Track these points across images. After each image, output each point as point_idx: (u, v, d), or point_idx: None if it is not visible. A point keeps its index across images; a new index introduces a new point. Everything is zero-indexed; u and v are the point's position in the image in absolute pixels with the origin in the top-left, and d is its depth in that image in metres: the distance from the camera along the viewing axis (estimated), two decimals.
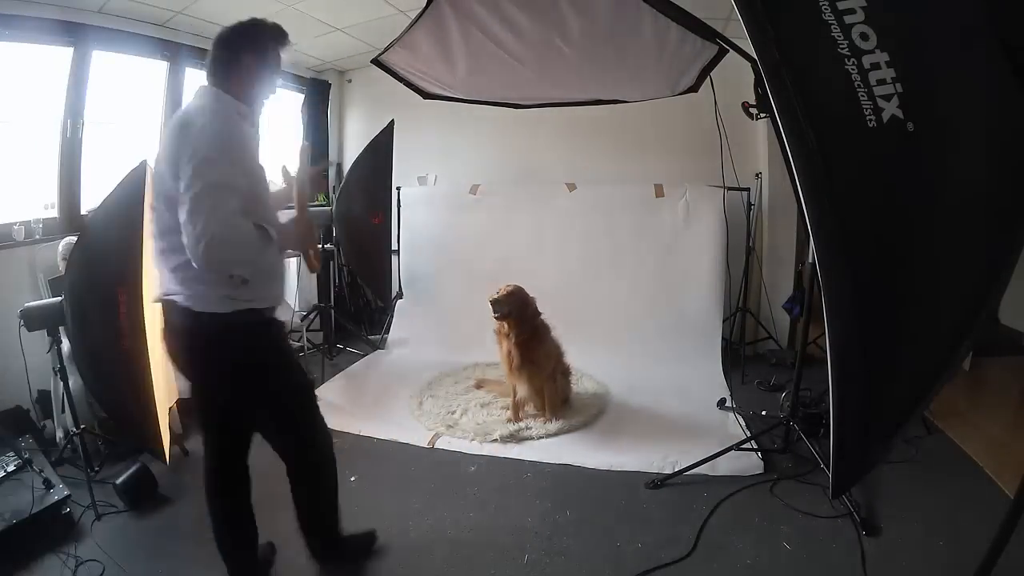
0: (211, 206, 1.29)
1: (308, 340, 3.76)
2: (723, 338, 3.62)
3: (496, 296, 2.69)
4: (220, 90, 1.47)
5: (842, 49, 1.13)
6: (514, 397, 2.82)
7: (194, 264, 1.31)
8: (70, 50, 2.97)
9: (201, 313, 1.41)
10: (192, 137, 1.34)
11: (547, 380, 2.75)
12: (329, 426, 2.85)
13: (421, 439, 2.67)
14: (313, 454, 1.72)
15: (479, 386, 3.22)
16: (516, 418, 2.82)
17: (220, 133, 1.38)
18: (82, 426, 2.27)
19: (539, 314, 2.81)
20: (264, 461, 2.48)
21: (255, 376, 1.50)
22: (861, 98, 1.13)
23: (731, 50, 2.11)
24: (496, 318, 2.69)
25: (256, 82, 1.54)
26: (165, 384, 2.38)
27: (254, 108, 1.57)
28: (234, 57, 1.49)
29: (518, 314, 2.70)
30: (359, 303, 4.52)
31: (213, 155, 1.33)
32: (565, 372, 2.97)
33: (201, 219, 1.28)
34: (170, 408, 2.52)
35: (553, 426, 2.73)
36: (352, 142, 4.86)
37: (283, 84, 4.50)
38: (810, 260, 1.90)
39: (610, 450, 2.52)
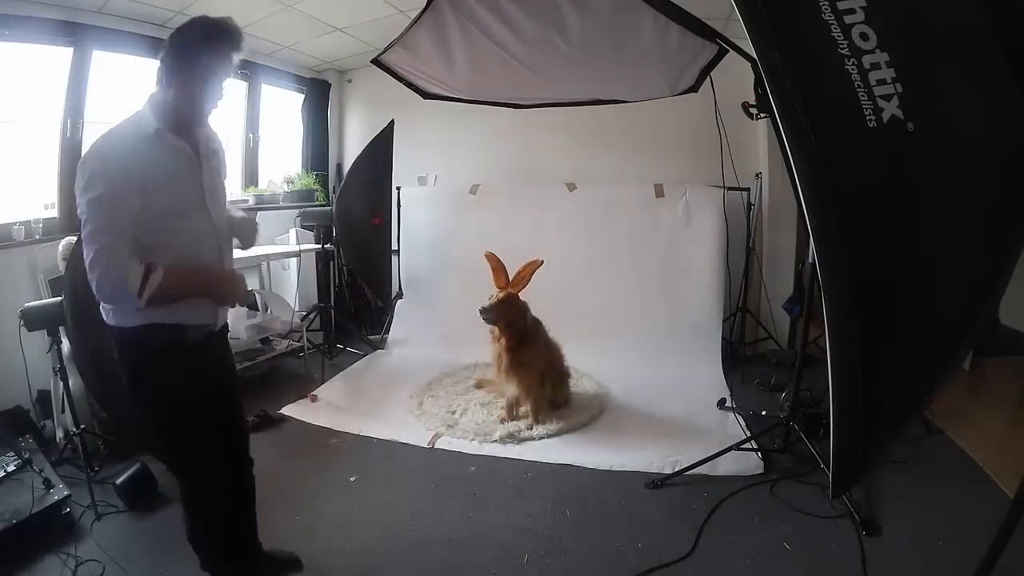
0: (96, 251, 1.23)
1: (308, 340, 3.76)
2: (723, 338, 3.62)
3: (486, 305, 2.68)
4: (155, 97, 1.35)
5: (842, 49, 1.13)
6: (507, 397, 2.83)
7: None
8: (70, 50, 2.97)
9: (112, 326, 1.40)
10: (80, 175, 1.26)
11: (534, 382, 2.75)
12: (329, 426, 2.82)
13: (421, 439, 2.67)
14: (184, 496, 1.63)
15: (479, 386, 3.21)
16: (509, 417, 2.82)
17: (95, 166, 1.25)
18: (82, 426, 2.26)
19: (531, 319, 2.80)
20: (264, 460, 2.49)
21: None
22: (861, 98, 1.13)
23: (731, 50, 2.11)
24: (485, 321, 2.69)
25: (177, 88, 1.33)
26: None
27: (186, 124, 1.39)
28: (166, 68, 1.33)
29: (510, 320, 2.70)
30: (359, 303, 4.52)
31: (89, 201, 1.23)
32: (562, 377, 2.95)
33: (89, 265, 1.23)
34: None
35: (553, 426, 2.73)
36: (352, 142, 4.86)
37: (284, 84, 4.51)
38: (810, 260, 1.90)
39: (610, 450, 2.52)
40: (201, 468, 1.54)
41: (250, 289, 1.71)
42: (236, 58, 1.40)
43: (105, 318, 1.39)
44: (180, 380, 1.43)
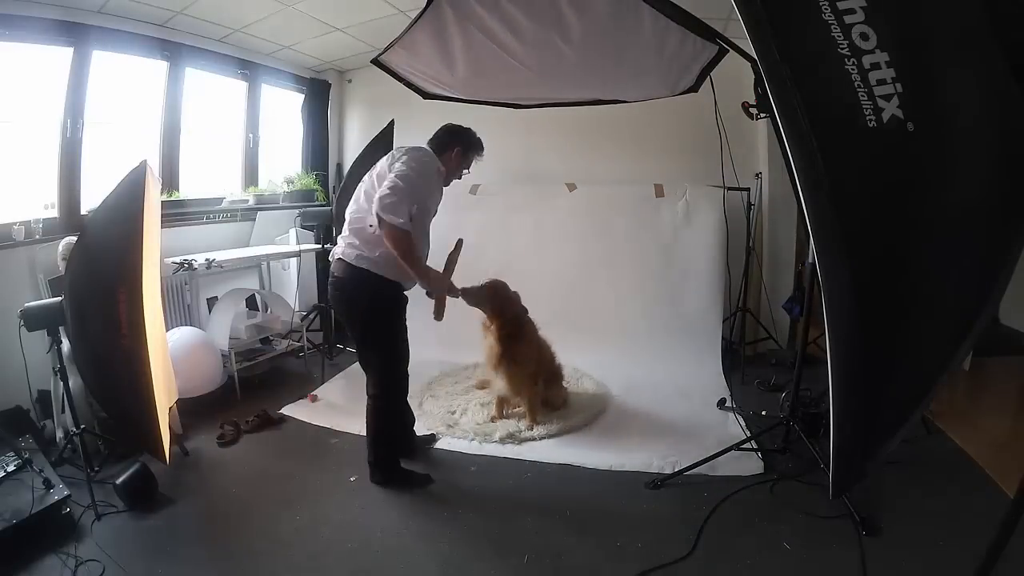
0: (400, 191, 1.94)
1: (308, 340, 3.76)
2: (723, 338, 3.62)
3: (468, 287, 2.53)
4: (435, 153, 2.23)
5: (842, 49, 1.13)
6: (496, 394, 2.82)
7: (373, 215, 1.96)
8: (70, 50, 2.97)
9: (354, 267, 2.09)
10: (407, 156, 2.08)
11: (528, 382, 2.73)
12: (329, 426, 2.84)
13: None
14: (373, 394, 2.24)
15: (481, 386, 3.21)
16: (499, 415, 2.82)
17: (422, 163, 2.08)
18: (82, 426, 2.27)
19: (524, 312, 2.75)
20: (264, 461, 2.50)
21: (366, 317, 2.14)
22: (861, 98, 1.13)
23: (731, 50, 2.11)
24: (468, 302, 2.59)
25: (453, 164, 2.29)
26: (165, 384, 2.38)
27: (448, 175, 2.30)
28: (448, 144, 2.28)
29: (497, 308, 2.66)
30: None
31: (412, 170, 2.02)
32: (554, 377, 2.94)
33: (390, 195, 1.93)
34: (170, 408, 2.52)
35: (554, 426, 2.73)
36: (352, 142, 4.86)
37: (284, 84, 4.51)
38: (810, 260, 1.90)
39: (610, 450, 2.52)
40: (396, 381, 2.26)
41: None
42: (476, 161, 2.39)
43: (355, 262, 2.08)
44: (397, 317, 2.20)
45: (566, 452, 2.52)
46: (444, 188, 2.30)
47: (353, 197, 2.20)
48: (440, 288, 2.16)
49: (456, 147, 2.27)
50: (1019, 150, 1.13)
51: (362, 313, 2.12)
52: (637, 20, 2.10)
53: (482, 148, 2.37)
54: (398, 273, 2.09)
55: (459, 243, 2.29)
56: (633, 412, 2.97)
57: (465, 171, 2.36)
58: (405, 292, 2.20)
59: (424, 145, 2.25)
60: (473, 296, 2.60)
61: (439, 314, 2.18)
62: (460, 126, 2.34)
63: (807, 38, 1.16)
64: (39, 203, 3.01)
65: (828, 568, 1.76)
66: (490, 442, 2.62)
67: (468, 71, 2.59)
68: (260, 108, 4.35)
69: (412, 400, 3.07)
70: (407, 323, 2.26)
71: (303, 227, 4.03)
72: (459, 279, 2.30)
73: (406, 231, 1.95)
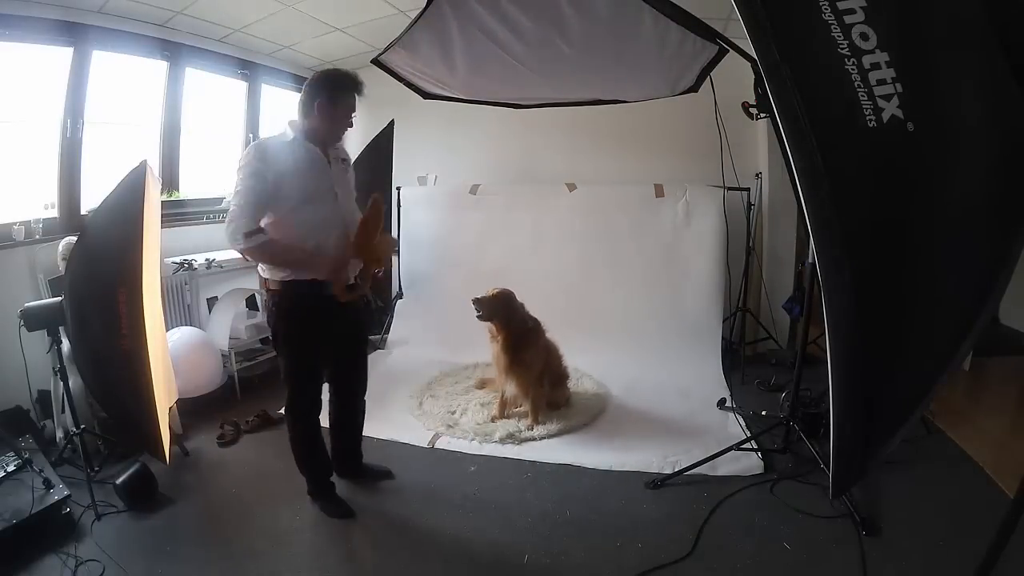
0: (232, 214, 1.77)
1: None
2: (723, 338, 3.62)
3: (479, 296, 2.67)
4: (303, 118, 1.88)
5: (842, 49, 1.13)
6: (502, 395, 2.84)
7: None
8: (70, 50, 2.97)
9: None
10: (238, 166, 1.80)
11: (534, 383, 2.74)
12: (328, 426, 2.84)
13: (421, 439, 2.67)
14: (284, 409, 2.12)
15: (481, 386, 3.21)
16: (501, 415, 2.82)
17: (249, 165, 1.77)
18: (82, 426, 2.27)
19: (529, 317, 2.78)
20: (264, 461, 2.50)
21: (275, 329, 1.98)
22: (861, 98, 1.13)
23: (731, 50, 2.11)
24: (478, 318, 2.68)
25: (325, 121, 1.85)
26: (165, 384, 2.38)
27: (326, 135, 1.89)
28: (309, 103, 1.85)
29: (504, 318, 2.69)
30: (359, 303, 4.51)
31: (240, 181, 1.78)
32: (560, 379, 2.94)
33: (227, 223, 1.77)
34: (170, 408, 2.52)
35: (554, 426, 2.73)
36: (352, 142, 4.84)
37: (284, 84, 4.51)
38: (810, 260, 1.90)
39: (610, 450, 2.52)
40: (298, 396, 2.05)
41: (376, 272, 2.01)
42: (358, 101, 1.89)
43: (261, 274, 1.93)
44: (300, 325, 1.91)
45: (566, 452, 2.52)
46: (341, 139, 1.98)
47: None
48: (334, 273, 1.85)
49: (317, 100, 1.83)
50: (1019, 150, 1.13)
51: (277, 322, 1.95)
52: (637, 20, 2.10)
53: (351, 83, 1.86)
54: (295, 269, 1.86)
55: (375, 200, 1.89)
56: (633, 412, 2.97)
57: (354, 116, 1.91)
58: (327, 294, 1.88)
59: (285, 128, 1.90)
60: (483, 306, 2.65)
61: (340, 292, 1.88)
62: (317, 73, 1.88)
63: (807, 38, 1.16)
64: (39, 203, 3.00)
65: (828, 568, 1.76)
66: (490, 442, 2.62)
67: (468, 71, 2.59)
68: (260, 108, 4.35)
69: (412, 400, 3.09)
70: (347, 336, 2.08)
71: None
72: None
73: (256, 245, 1.76)
